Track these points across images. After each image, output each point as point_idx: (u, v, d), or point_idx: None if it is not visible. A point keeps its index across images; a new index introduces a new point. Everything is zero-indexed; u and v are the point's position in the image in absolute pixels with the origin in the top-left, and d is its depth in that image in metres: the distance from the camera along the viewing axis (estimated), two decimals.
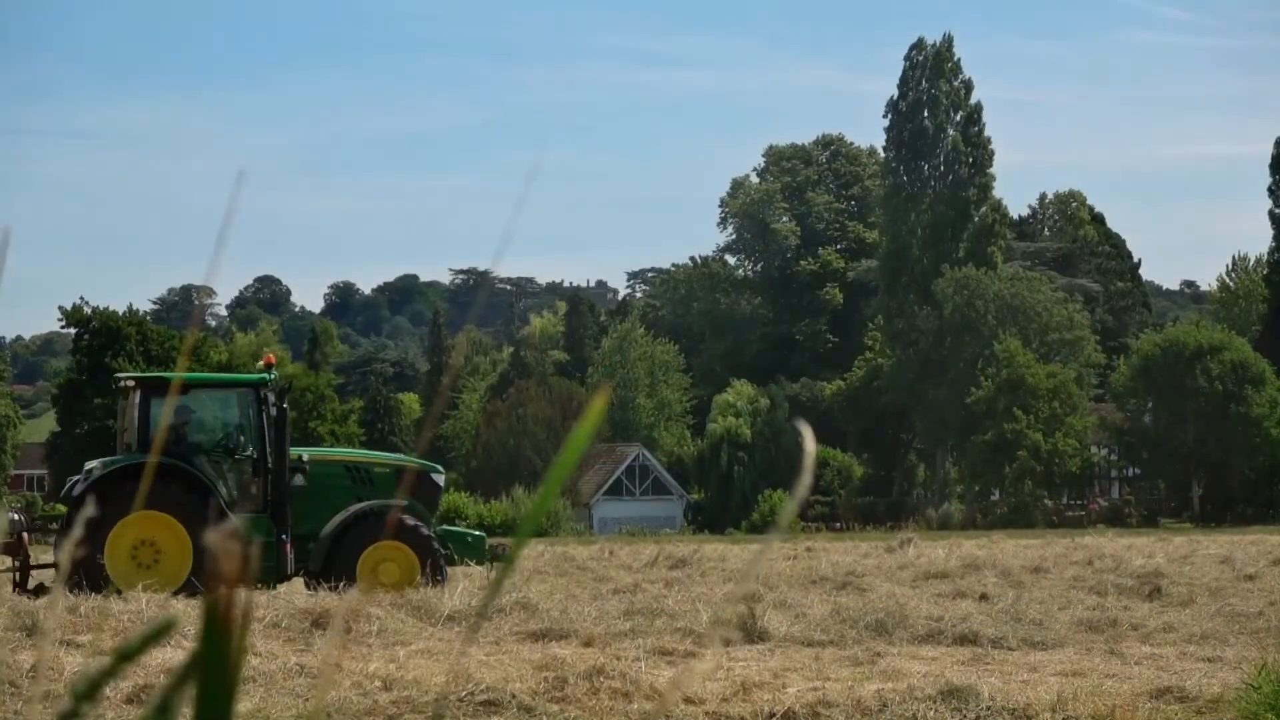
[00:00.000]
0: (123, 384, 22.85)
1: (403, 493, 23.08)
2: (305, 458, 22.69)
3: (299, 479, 22.05)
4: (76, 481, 21.98)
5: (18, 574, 22.27)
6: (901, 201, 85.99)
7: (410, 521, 21.89)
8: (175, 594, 19.45)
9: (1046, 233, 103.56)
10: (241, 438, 22.38)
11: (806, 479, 1.72)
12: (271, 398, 21.99)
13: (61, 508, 77.70)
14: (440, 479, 23.82)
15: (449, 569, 21.92)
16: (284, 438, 21.95)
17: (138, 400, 22.05)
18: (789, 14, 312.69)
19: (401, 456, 25.30)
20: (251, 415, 22.21)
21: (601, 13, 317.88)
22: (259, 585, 20.98)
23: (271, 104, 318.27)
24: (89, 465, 22.36)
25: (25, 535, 23.24)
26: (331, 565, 21.44)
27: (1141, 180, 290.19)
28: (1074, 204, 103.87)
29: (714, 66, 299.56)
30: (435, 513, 23.20)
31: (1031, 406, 74.05)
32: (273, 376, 22.47)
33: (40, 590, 21.57)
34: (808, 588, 21.62)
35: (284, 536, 21.64)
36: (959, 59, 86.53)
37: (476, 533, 24.75)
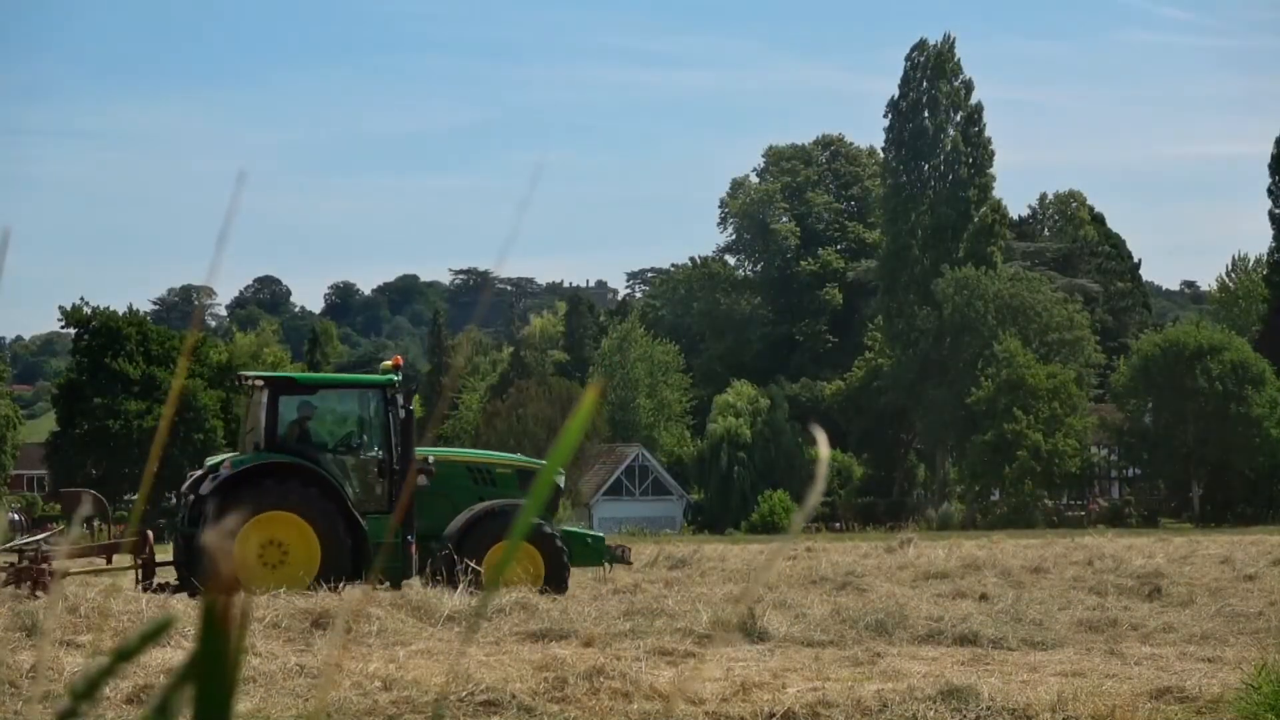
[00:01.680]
0: (250, 383, 22.91)
1: (536, 494, 23.04)
2: (431, 459, 22.73)
3: (423, 479, 22.06)
4: (198, 477, 21.95)
5: (140, 572, 22.33)
6: (901, 202, 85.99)
7: (537, 521, 21.97)
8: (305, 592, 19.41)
9: (1046, 233, 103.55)
10: (365, 437, 22.50)
11: (820, 485, 1.72)
12: (400, 399, 22.05)
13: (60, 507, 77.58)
14: (560, 480, 23.92)
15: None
16: (410, 438, 21.98)
17: (265, 399, 22.06)
18: (789, 14, 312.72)
19: (521, 457, 25.43)
20: (378, 415, 22.29)
21: (601, 13, 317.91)
22: (386, 584, 21.24)
23: (271, 104, 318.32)
24: (211, 461, 22.45)
25: (149, 534, 23.31)
26: (456, 564, 21.43)
27: (1141, 180, 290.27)
28: (1074, 204, 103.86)
29: (714, 66, 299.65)
30: (554, 514, 23.27)
31: (1031, 406, 74.04)
32: (399, 378, 22.48)
33: (164, 589, 21.58)
34: (808, 588, 21.62)
35: (409, 537, 21.68)
36: (959, 59, 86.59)
37: (595, 534, 24.89)
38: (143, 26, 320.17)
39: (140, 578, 22.18)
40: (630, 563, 24.29)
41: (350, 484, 21.89)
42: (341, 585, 20.40)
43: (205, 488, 21.34)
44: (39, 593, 19.98)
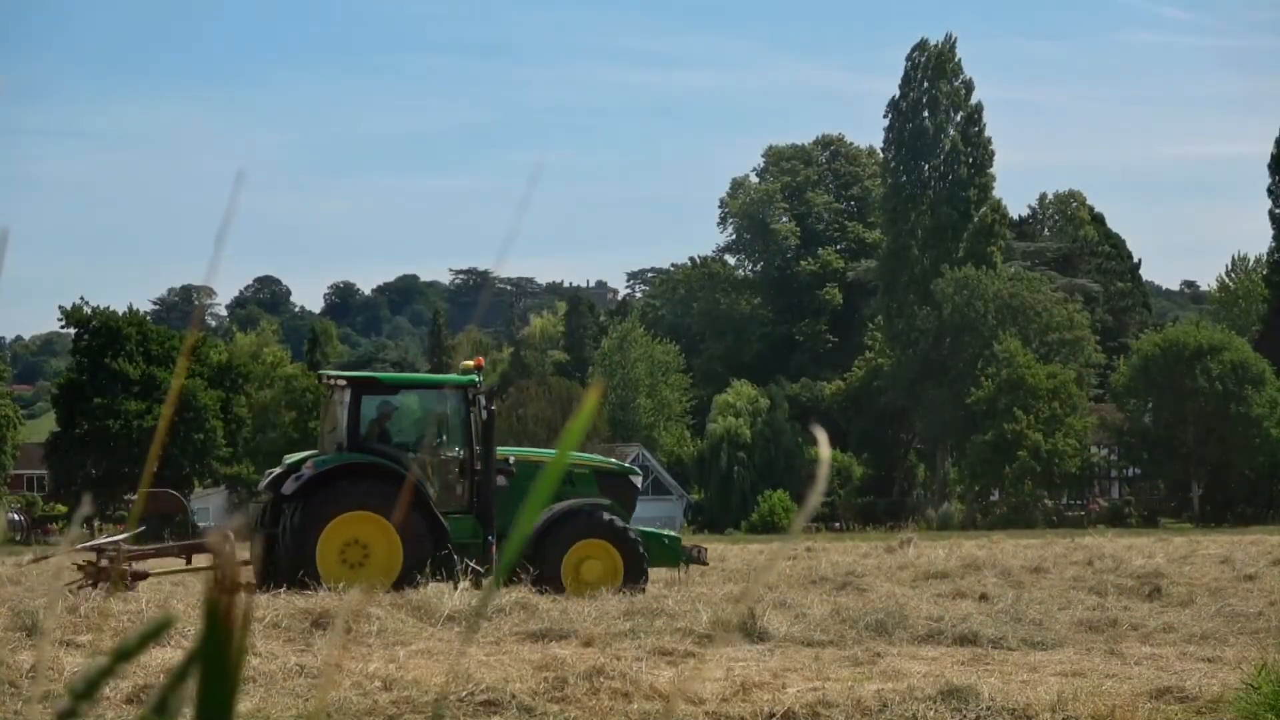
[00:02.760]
0: (332, 382, 22.98)
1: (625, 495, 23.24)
2: (511, 459, 22.79)
3: (501, 479, 22.18)
4: (278, 476, 21.97)
5: None
6: (901, 202, 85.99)
7: (615, 521, 22.12)
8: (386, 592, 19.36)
9: (1046, 233, 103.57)
10: (445, 437, 22.54)
11: (821, 486, 1.72)
12: (482, 399, 22.09)
13: (62, 507, 77.68)
14: (637, 480, 24.09)
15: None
16: (492, 439, 22.04)
17: (347, 399, 22.09)
18: (789, 14, 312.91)
19: (600, 458, 25.48)
20: (459, 415, 22.32)
21: (601, 13, 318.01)
22: (468, 584, 21.22)
23: (271, 104, 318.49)
24: (290, 459, 22.46)
25: (230, 533, 23.29)
26: (536, 564, 21.51)
27: (1141, 180, 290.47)
28: (1074, 204, 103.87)
29: (714, 66, 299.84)
30: (632, 513, 23.36)
31: (1031, 406, 74.04)
32: (480, 378, 22.51)
33: (248, 589, 21.53)
34: (808, 588, 21.62)
35: (490, 537, 21.78)
36: (960, 60, 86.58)
37: (672, 534, 24.94)
38: (143, 26, 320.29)
39: None
40: (706, 563, 24.35)
41: (431, 484, 21.92)
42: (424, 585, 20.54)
43: (288, 487, 21.34)
44: (118, 592, 19.96)
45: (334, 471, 21.26)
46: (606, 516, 22.07)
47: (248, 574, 22.27)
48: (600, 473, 23.46)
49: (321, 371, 23.88)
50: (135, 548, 23.41)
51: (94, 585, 20.56)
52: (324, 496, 20.98)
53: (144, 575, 21.87)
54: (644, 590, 21.09)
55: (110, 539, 23.74)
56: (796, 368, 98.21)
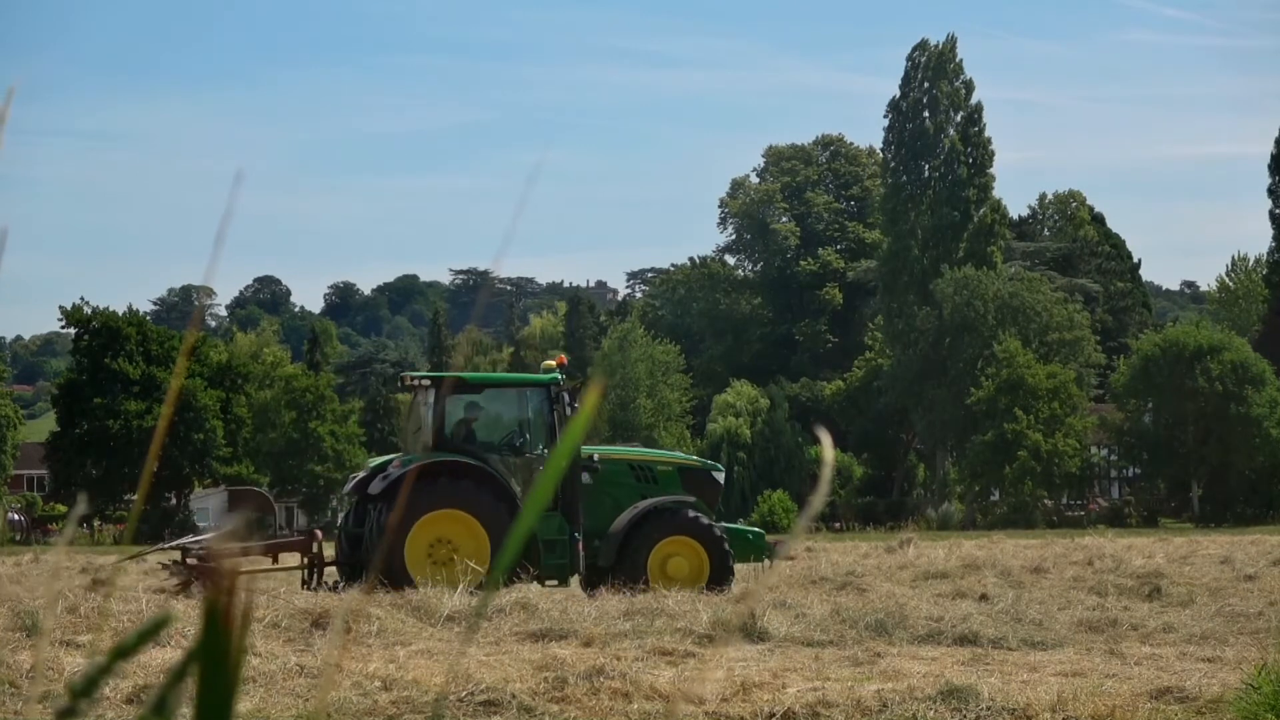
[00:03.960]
0: (416, 383, 23.17)
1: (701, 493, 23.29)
2: (596, 457, 22.96)
3: (585, 477, 22.31)
4: (363, 479, 22.12)
5: (307, 571, 22.52)
6: (901, 202, 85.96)
7: (701, 518, 22.22)
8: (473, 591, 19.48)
9: (1046, 233, 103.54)
10: (528, 435, 22.70)
11: (824, 488, 1.72)
12: (566, 397, 22.25)
13: (62, 507, 77.63)
14: (720, 477, 24.18)
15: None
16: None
17: (432, 399, 22.34)
18: (789, 14, 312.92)
19: (683, 455, 25.59)
20: (543, 414, 22.48)
21: (601, 13, 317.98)
22: (554, 581, 21.62)
23: (271, 104, 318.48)
24: (374, 462, 22.66)
25: (318, 533, 23.47)
26: (623, 561, 21.72)
27: (1141, 180, 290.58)
28: (1074, 204, 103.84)
29: (714, 66, 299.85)
30: (715, 510, 23.48)
31: (1031, 406, 74.02)
32: (563, 376, 22.68)
33: (335, 587, 21.69)
34: (808, 588, 21.60)
35: (575, 535, 21.91)
36: (961, 60, 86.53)
37: (756, 530, 25.05)
38: (143, 27, 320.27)
39: (308, 577, 22.33)
40: (791, 558, 24.42)
41: (516, 481, 22.03)
42: (510, 582, 20.68)
43: (375, 487, 21.54)
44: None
45: (421, 470, 21.38)
46: (692, 514, 22.25)
47: (331, 574, 22.52)
48: (684, 470, 23.70)
49: (405, 373, 24.12)
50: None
51: (184, 586, 20.56)
52: (411, 495, 21.23)
53: (236, 573, 21.92)
54: (730, 587, 21.28)
55: (195, 539, 23.89)
56: (796, 368, 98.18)
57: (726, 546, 22.14)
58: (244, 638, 1.41)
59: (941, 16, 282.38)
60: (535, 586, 20.68)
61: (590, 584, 21.76)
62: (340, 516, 24.50)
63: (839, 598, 19.62)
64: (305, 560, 22.72)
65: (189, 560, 21.68)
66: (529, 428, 22.78)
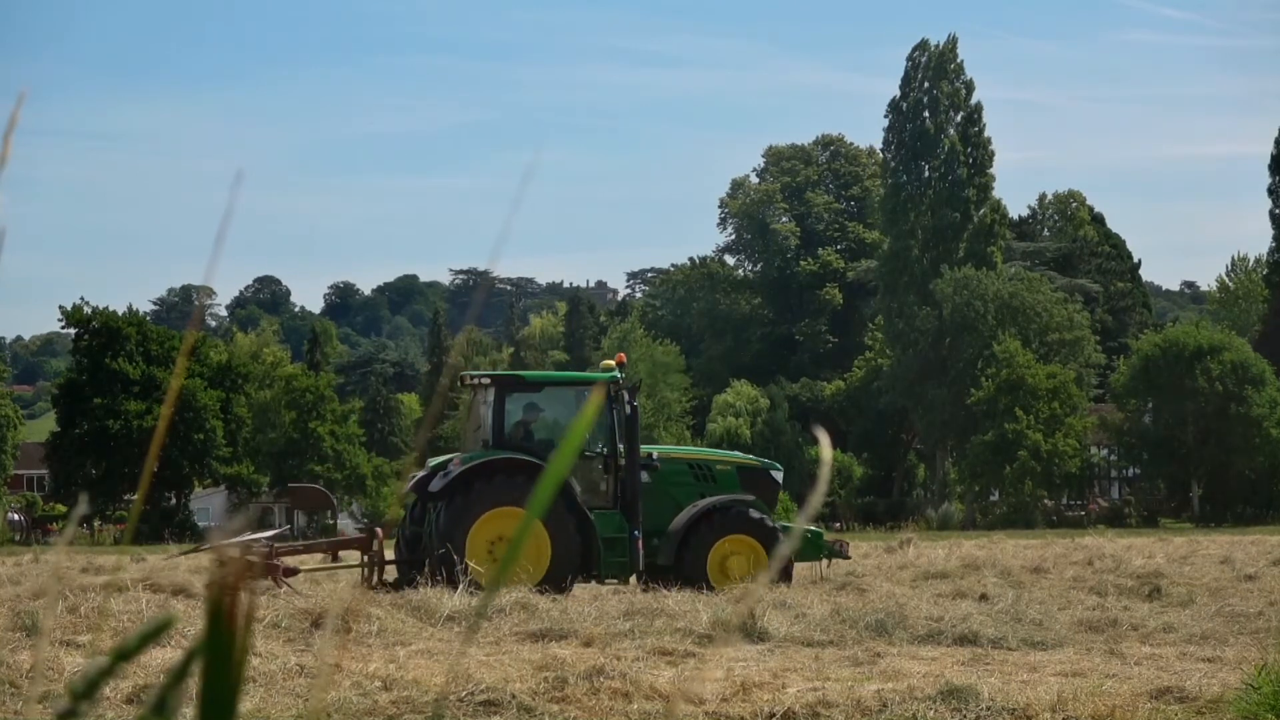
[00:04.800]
0: (476, 382, 23.32)
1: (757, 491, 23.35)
2: (655, 456, 23.10)
3: (645, 476, 22.40)
4: (422, 477, 22.24)
5: (367, 569, 22.54)
6: (901, 202, 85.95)
7: (760, 516, 22.28)
8: (536, 589, 19.52)
9: (1046, 233, 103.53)
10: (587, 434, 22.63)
11: (822, 488, 1.72)
12: (626, 395, 22.31)
13: (62, 507, 77.58)
14: (779, 476, 24.24)
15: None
16: (636, 435, 22.30)
17: (492, 398, 22.43)
18: (789, 14, 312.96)
19: (741, 455, 25.64)
20: (603, 413, 22.49)
21: (601, 13, 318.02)
22: (614, 580, 21.70)
23: (271, 104, 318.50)
24: (434, 462, 22.72)
25: (379, 531, 23.52)
26: (682, 560, 21.76)
27: (1141, 180, 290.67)
28: (1074, 204, 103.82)
29: (714, 66, 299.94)
30: (774, 509, 23.53)
31: (1031, 406, 74.01)
32: (622, 375, 22.78)
33: (394, 586, 21.75)
34: (808, 588, 21.60)
35: (635, 533, 21.96)
36: (962, 60, 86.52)
37: (815, 529, 25.10)
38: (143, 27, 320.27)
39: (367, 574, 22.39)
40: (849, 557, 24.47)
41: (575, 479, 22.08)
42: (573, 581, 20.93)
43: (436, 485, 21.65)
44: (272, 590, 19.96)
45: (481, 468, 21.54)
46: (752, 513, 22.32)
47: (391, 572, 22.55)
48: (742, 469, 23.76)
49: (464, 372, 24.23)
50: (285, 544, 23.72)
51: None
52: (471, 493, 21.31)
53: (294, 571, 21.97)
54: (789, 585, 21.32)
55: (255, 535, 23.96)
56: (796, 368, 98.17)
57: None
58: (248, 637, 1.41)
59: (941, 16, 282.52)
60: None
61: (649, 583, 21.73)
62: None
63: (839, 598, 19.62)
64: (365, 558, 22.79)
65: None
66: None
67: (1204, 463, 73.83)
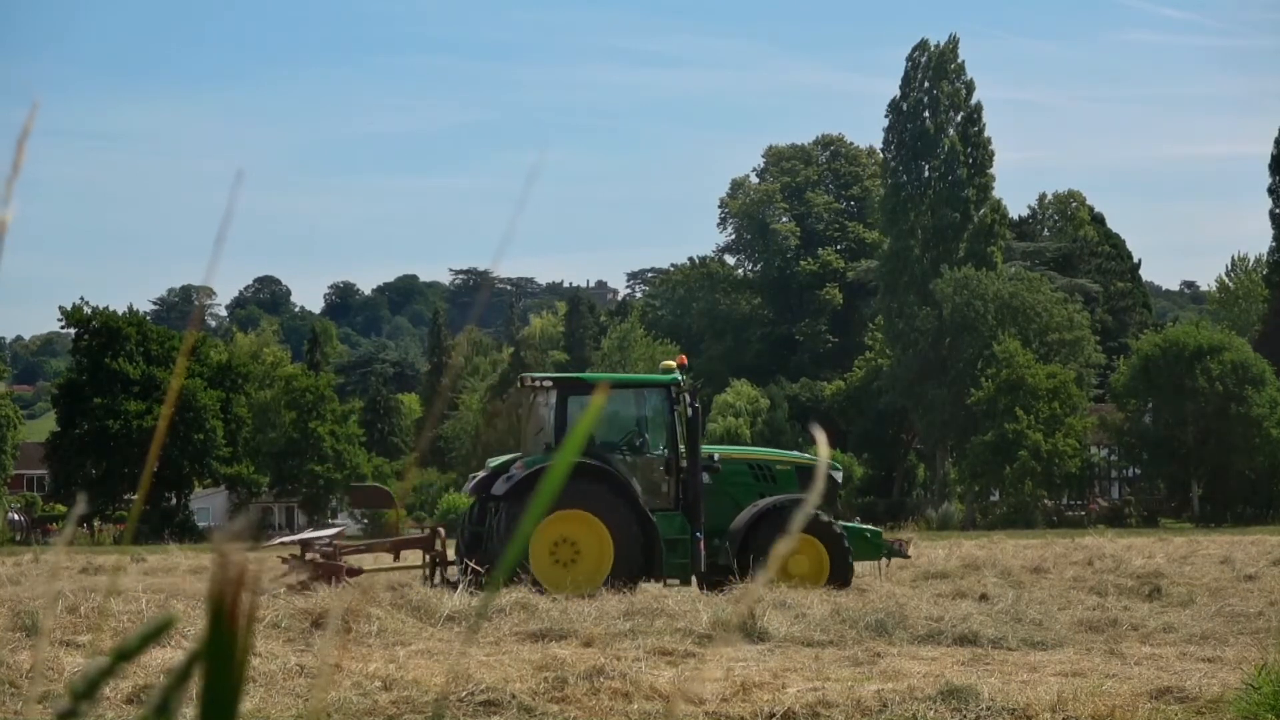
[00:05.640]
0: (537, 384, 23.45)
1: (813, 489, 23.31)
2: (716, 456, 23.12)
3: (706, 477, 22.44)
4: (484, 479, 22.31)
5: (428, 569, 22.63)
6: (901, 202, 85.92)
7: (821, 516, 22.31)
8: (591, 593, 19.59)
9: (1046, 233, 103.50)
10: (647, 435, 22.93)
11: (820, 485, 1.72)
12: (687, 397, 22.41)
13: (62, 507, 77.52)
14: (839, 476, 24.36)
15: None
16: (697, 437, 22.36)
17: (554, 400, 22.55)
18: (789, 14, 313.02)
19: (800, 454, 25.67)
20: (664, 414, 22.71)
21: (601, 13, 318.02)
22: (675, 581, 21.71)
23: (271, 104, 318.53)
24: (493, 462, 22.79)
25: (441, 530, 23.53)
26: (743, 560, 21.74)
27: (1141, 180, 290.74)
28: (1074, 204, 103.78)
29: (714, 66, 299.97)
30: (833, 509, 23.55)
31: (1031, 407, 73.99)
32: (684, 377, 22.85)
33: (452, 585, 21.79)
34: (808, 588, 21.61)
35: (697, 534, 22.00)
36: (963, 61, 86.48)
37: (874, 529, 25.15)
38: (143, 27, 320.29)
39: (429, 574, 22.36)
40: (908, 556, 24.48)
41: (636, 481, 22.14)
42: (635, 583, 20.83)
43: (499, 488, 21.71)
44: (333, 587, 19.95)
45: (543, 471, 21.39)
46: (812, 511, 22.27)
47: (452, 572, 22.57)
48: (801, 469, 23.74)
49: (525, 374, 24.29)
50: (348, 543, 23.75)
51: (307, 581, 20.56)
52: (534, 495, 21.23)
53: (358, 570, 21.99)
54: (849, 585, 21.44)
55: (317, 534, 23.97)
56: (796, 368, 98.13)
57: (847, 544, 22.26)
58: (249, 637, 1.41)
59: (941, 16, 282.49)
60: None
61: (710, 583, 21.72)
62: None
63: (839, 598, 19.62)
64: (427, 558, 22.78)
65: (309, 556, 21.70)
66: (648, 427, 23.04)
67: (1204, 463, 73.80)
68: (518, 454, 23.10)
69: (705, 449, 23.15)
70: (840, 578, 21.80)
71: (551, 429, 22.47)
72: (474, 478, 22.98)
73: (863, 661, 14.16)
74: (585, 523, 21.43)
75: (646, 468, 22.60)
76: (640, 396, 23.42)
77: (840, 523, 23.15)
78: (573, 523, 21.43)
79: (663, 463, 22.70)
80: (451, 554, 23.02)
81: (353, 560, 22.40)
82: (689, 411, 22.35)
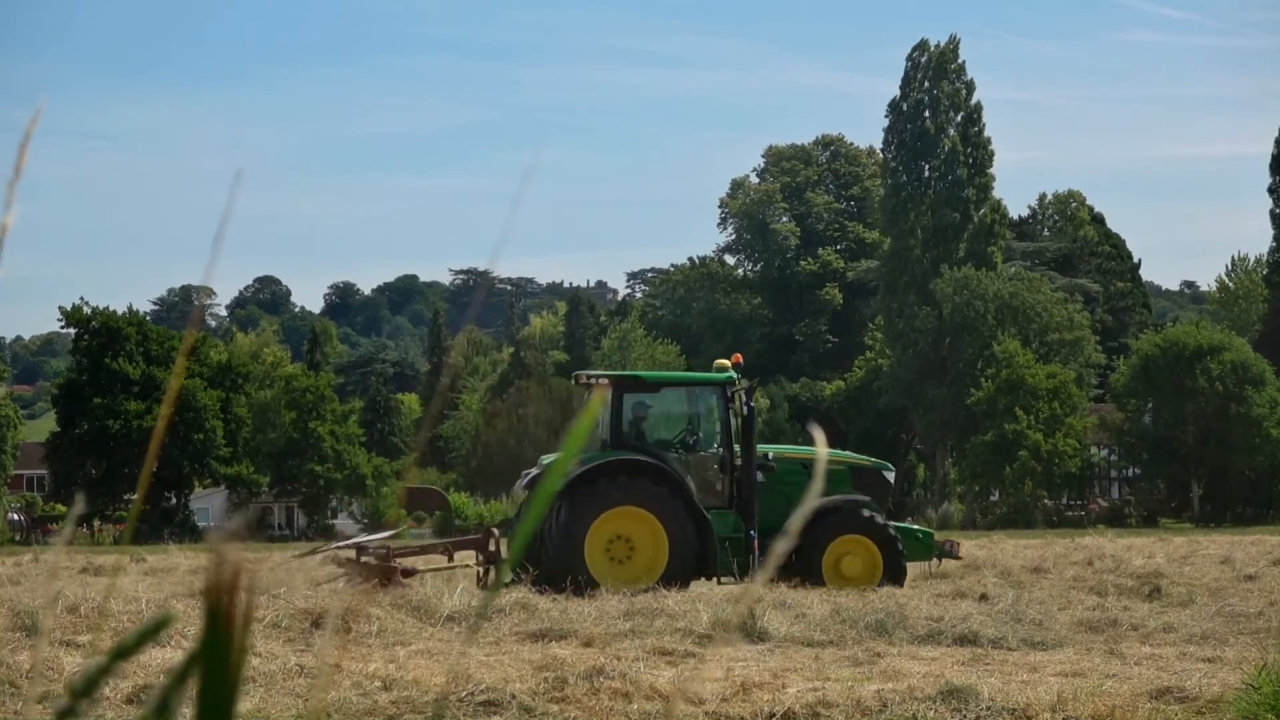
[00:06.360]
0: (592, 381, 23.64)
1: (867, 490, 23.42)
2: (770, 455, 23.14)
3: (760, 476, 22.49)
4: (536, 475, 22.39)
5: (482, 569, 22.63)
6: (901, 202, 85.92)
7: (874, 517, 22.39)
8: (646, 590, 19.59)
9: (1046, 233, 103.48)
10: (700, 434, 22.99)
11: (818, 484, 1.71)
12: (742, 396, 22.37)
13: (62, 507, 77.51)
14: (890, 476, 24.35)
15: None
16: (753, 436, 22.37)
17: (610, 398, 22.48)
18: (789, 14, 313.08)
19: (854, 454, 25.69)
20: (718, 413, 22.71)
21: (601, 13, 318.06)
22: (730, 579, 21.76)
23: (271, 104, 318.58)
24: (546, 459, 22.83)
25: (495, 531, 23.53)
26: (797, 560, 21.80)
27: (1141, 180, 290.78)
28: (1074, 204, 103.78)
29: (714, 66, 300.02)
30: (885, 509, 23.58)
31: (1031, 407, 73.98)
32: (738, 375, 22.80)
33: (509, 585, 21.76)
34: (808, 588, 21.62)
35: (752, 533, 22.03)
36: (963, 61, 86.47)
37: (926, 529, 25.25)
38: (143, 27, 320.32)
39: (483, 575, 22.46)
40: (959, 557, 24.52)
41: (690, 479, 22.15)
42: (690, 581, 20.90)
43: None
44: (388, 590, 19.93)
45: (600, 468, 21.61)
46: (865, 513, 22.40)
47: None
48: (855, 469, 23.82)
49: (579, 372, 24.29)
50: (402, 544, 23.74)
51: (361, 583, 20.53)
52: (591, 493, 21.39)
53: (412, 572, 22.00)
54: (902, 584, 21.47)
55: (372, 537, 23.96)
56: (796, 368, 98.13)
57: (900, 546, 22.32)
58: (246, 637, 1.41)
59: (942, 16, 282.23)
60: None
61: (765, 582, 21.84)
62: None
63: (839, 598, 19.61)
64: (481, 558, 22.84)
65: (364, 559, 21.70)
66: (701, 426, 23.08)
67: (1204, 463, 73.79)
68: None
69: (759, 448, 23.16)
70: (893, 578, 21.85)
71: (608, 426, 22.43)
72: (527, 475, 23.03)
73: (863, 661, 14.16)
74: (641, 520, 21.50)
75: (700, 466, 22.66)
76: (694, 395, 23.51)
77: (894, 524, 23.25)
78: (628, 520, 21.49)
79: (717, 461, 22.75)
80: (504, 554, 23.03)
81: (406, 562, 22.37)
82: (744, 410, 22.34)
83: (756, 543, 22.08)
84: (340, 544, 25.03)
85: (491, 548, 22.82)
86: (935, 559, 23.70)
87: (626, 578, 20.59)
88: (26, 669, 11.95)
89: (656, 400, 23.32)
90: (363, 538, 24.58)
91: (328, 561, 22.50)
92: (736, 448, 22.47)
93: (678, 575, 20.98)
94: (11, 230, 1.73)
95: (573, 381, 25.33)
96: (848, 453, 26.40)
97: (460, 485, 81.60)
